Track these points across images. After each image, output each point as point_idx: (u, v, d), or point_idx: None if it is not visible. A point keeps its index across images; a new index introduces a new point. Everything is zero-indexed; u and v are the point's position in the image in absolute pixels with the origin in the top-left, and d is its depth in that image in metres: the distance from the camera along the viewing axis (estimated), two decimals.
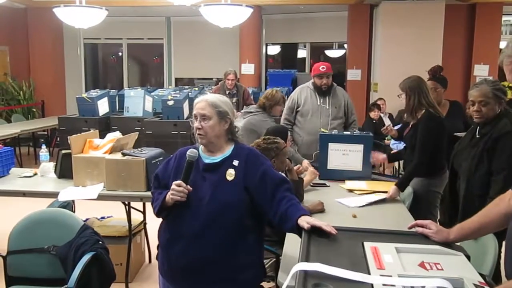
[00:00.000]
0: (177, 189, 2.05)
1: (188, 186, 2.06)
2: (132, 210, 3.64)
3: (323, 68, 4.26)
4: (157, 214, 2.20)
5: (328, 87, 4.29)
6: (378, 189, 3.42)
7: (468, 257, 1.62)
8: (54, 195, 3.42)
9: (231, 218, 2.07)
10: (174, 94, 7.35)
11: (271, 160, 2.84)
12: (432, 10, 7.94)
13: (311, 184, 3.49)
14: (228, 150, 2.19)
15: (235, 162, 2.13)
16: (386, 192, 3.39)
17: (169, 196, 2.08)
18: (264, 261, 2.39)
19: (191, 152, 2.10)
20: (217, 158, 2.17)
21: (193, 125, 2.17)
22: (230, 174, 2.11)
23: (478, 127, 2.88)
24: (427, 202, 3.45)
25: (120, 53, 11.00)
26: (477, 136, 2.85)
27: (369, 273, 1.44)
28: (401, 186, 3.31)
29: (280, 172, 3.05)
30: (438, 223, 3.49)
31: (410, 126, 3.52)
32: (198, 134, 2.14)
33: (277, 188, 2.09)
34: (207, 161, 2.17)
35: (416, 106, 3.38)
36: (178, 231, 2.11)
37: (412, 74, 3.57)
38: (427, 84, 3.93)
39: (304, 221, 1.85)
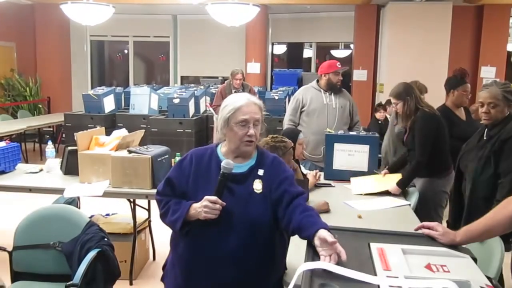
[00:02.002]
0: (212, 207, 1.83)
1: (222, 202, 1.85)
2: (137, 207, 3.65)
3: (339, 64, 4.32)
4: (180, 230, 1.92)
5: (340, 85, 4.35)
6: (385, 184, 3.44)
7: (475, 260, 1.62)
8: (60, 191, 3.43)
9: (265, 237, 1.92)
10: (180, 92, 7.36)
11: None
12: (440, 12, 7.91)
13: (316, 184, 3.49)
14: (253, 157, 2.01)
15: (260, 172, 1.96)
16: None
17: (200, 212, 1.84)
18: None
19: (226, 163, 1.87)
20: (243, 166, 1.97)
21: (239, 131, 1.92)
22: (258, 186, 1.94)
23: (486, 129, 2.86)
24: (433, 202, 3.46)
25: (126, 51, 11.02)
26: (485, 138, 2.84)
27: (375, 274, 1.44)
28: (401, 186, 3.34)
29: None
30: (446, 223, 3.51)
31: (408, 129, 3.52)
32: (249, 141, 1.93)
33: (294, 197, 1.91)
34: (233, 170, 1.93)
35: (414, 109, 3.40)
36: (205, 250, 1.90)
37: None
38: (464, 87, 4.01)
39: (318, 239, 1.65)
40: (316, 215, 1.83)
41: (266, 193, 1.93)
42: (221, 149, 2.02)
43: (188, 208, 1.89)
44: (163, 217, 2.00)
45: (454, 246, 1.72)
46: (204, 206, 1.84)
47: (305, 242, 1.75)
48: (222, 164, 1.87)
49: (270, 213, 1.92)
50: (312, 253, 1.61)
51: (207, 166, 1.96)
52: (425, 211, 3.19)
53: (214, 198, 1.84)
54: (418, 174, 3.42)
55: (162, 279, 2.13)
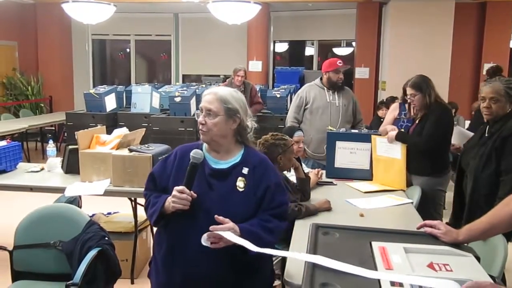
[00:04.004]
0: (179, 196, 1.82)
1: (192, 193, 1.84)
2: (138, 206, 3.64)
3: (340, 63, 4.30)
4: (155, 224, 1.94)
5: (341, 83, 4.33)
6: (386, 183, 3.45)
7: (478, 258, 1.60)
8: (61, 190, 3.43)
9: None
10: (181, 90, 7.34)
11: (277, 157, 2.82)
12: (442, 9, 7.88)
13: (318, 182, 3.48)
14: (238, 154, 1.99)
15: (245, 170, 1.94)
16: (395, 190, 3.39)
17: (170, 203, 1.85)
18: None
19: (195, 153, 1.87)
20: (226, 163, 1.96)
21: (198, 118, 1.97)
22: (241, 184, 1.91)
23: (488, 126, 2.84)
24: (432, 201, 3.47)
25: (128, 49, 11.02)
26: (486, 135, 2.82)
27: None
28: (399, 138, 3.44)
29: (285, 171, 3.05)
30: (442, 221, 3.51)
31: (418, 121, 3.50)
32: (200, 130, 1.94)
33: (269, 209, 1.93)
34: (214, 165, 1.95)
35: (433, 100, 3.39)
36: (182, 246, 1.89)
37: (421, 73, 3.57)
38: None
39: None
40: (260, 227, 1.87)
41: (249, 192, 1.91)
42: (206, 146, 2.01)
43: (164, 202, 1.89)
44: (145, 211, 2.02)
45: (457, 244, 1.70)
46: (172, 196, 1.84)
47: (305, 240, 1.73)
48: (191, 153, 1.87)
49: (252, 212, 1.90)
50: (313, 253, 1.60)
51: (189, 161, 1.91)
52: (424, 209, 3.18)
53: (181, 187, 1.82)
54: (416, 148, 3.43)
55: (148, 275, 2.12)
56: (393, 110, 4.17)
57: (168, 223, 1.93)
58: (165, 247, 1.95)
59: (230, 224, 1.81)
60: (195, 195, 1.84)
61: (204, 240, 1.79)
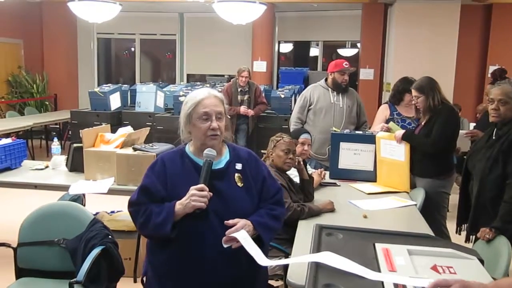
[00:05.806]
0: (200, 194, 1.78)
1: (208, 191, 1.82)
2: None
3: (346, 64, 4.28)
4: (170, 232, 1.81)
5: (346, 85, 4.32)
6: (390, 185, 3.44)
7: (482, 261, 1.59)
8: (65, 188, 3.44)
9: None
10: (186, 90, 7.35)
11: (269, 151, 2.95)
12: (448, 10, 7.85)
13: (322, 183, 3.48)
14: (225, 152, 2.00)
15: (238, 166, 1.95)
16: (398, 192, 3.38)
17: (188, 204, 1.79)
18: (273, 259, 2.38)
19: (209, 151, 1.87)
20: (219, 163, 1.95)
21: (202, 125, 1.90)
22: (239, 180, 1.93)
23: (495, 129, 2.83)
24: (436, 203, 3.46)
25: (132, 48, 11.03)
26: (494, 137, 2.81)
27: None
28: (406, 137, 3.44)
29: (288, 171, 3.05)
30: (445, 223, 3.51)
31: (424, 123, 3.50)
32: (213, 135, 1.89)
33: (271, 197, 2.00)
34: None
35: (439, 103, 3.40)
36: (198, 252, 1.84)
37: (425, 75, 3.57)
38: (487, 88, 4.00)
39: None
40: (268, 216, 1.93)
41: (249, 186, 1.95)
42: (190, 149, 1.99)
43: (173, 207, 1.82)
44: (144, 225, 1.87)
45: (461, 247, 1.69)
46: (191, 195, 1.79)
47: (308, 240, 1.73)
48: (205, 151, 1.87)
49: (256, 204, 1.96)
50: (317, 250, 1.60)
51: (181, 167, 1.93)
52: (427, 211, 3.17)
53: (200, 185, 1.81)
54: (423, 149, 3.41)
55: None
56: (384, 111, 4.18)
57: (179, 230, 1.85)
58: (176, 256, 1.87)
59: (242, 221, 1.84)
60: (211, 193, 1.83)
61: (224, 243, 1.82)
